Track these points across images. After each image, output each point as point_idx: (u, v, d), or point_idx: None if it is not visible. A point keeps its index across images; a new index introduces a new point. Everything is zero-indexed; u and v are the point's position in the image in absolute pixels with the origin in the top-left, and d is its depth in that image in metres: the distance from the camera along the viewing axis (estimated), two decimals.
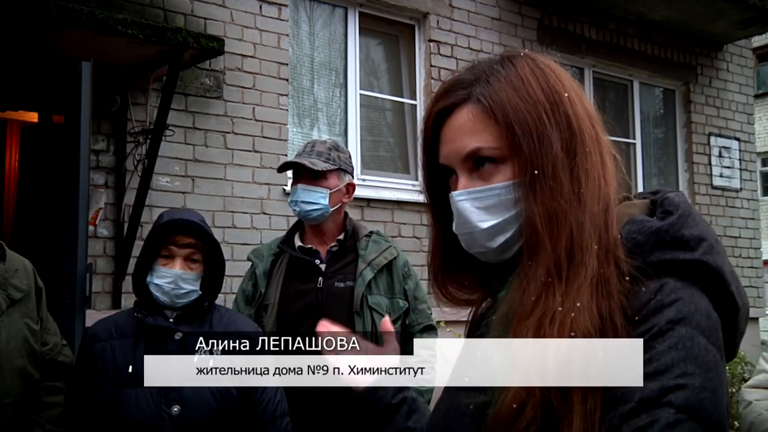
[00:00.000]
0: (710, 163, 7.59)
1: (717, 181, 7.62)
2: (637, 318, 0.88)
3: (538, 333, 0.88)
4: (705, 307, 0.90)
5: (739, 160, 7.82)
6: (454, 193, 1.01)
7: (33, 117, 5.58)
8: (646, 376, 0.84)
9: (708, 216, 7.47)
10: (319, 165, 2.55)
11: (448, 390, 1.10)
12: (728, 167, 7.72)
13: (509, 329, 0.92)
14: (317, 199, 2.55)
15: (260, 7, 5.08)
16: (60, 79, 4.18)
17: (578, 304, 0.88)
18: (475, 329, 1.10)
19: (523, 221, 0.95)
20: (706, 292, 0.92)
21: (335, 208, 2.59)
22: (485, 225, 0.98)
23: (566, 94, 0.98)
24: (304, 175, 2.58)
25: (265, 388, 2.22)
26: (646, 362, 0.85)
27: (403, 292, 2.60)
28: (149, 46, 3.92)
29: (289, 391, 2.35)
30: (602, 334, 0.87)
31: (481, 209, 0.98)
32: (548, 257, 0.91)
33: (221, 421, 2.11)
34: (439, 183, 1.07)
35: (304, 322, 2.49)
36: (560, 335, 0.87)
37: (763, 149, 17.86)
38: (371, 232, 2.68)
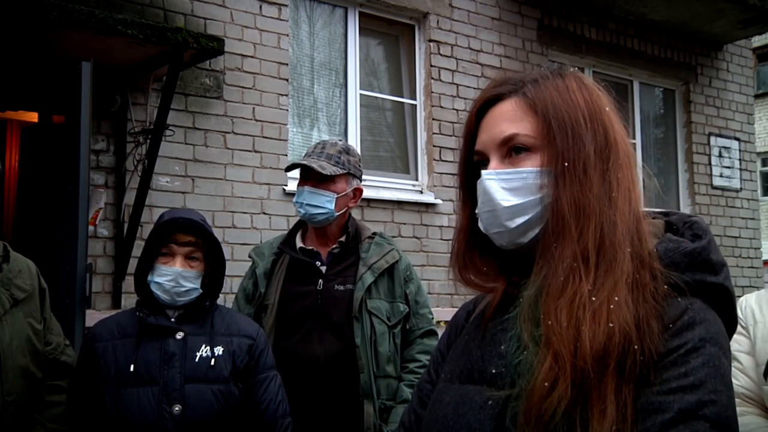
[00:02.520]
0: (710, 163, 7.60)
1: (717, 181, 7.62)
2: (671, 326, 0.94)
3: (571, 314, 0.93)
4: (724, 331, 0.99)
5: (739, 160, 7.82)
6: (483, 172, 1.08)
7: (33, 117, 5.58)
8: (683, 389, 0.90)
9: (708, 216, 7.47)
10: (328, 169, 2.51)
11: (451, 383, 1.11)
12: (728, 167, 7.72)
13: (539, 308, 0.97)
14: (323, 202, 2.51)
15: (260, 7, 5.08)
16: (60, 79, 4.17)
17: (616, 298, 0.93)
18: (492, 325, 1.11)
19: (551, 204, 1.01)
20: (719, 313, 1.01)
21: (341, 212, 2.56)
22: (507, 203, 1.04)
23: (607, 109, 1.06)
24: (312, 176, 2.54)
25: (267, 387, 2.22)
26: (683, 375, 0.91)
27: (404, 296, 2.58)
28: (149, 46, 3.92)
29: (290, 391, 2.35)
30: (640, 334, 0.93)
31: (506, 189, 1.05)
32: (574, 243, 0.97)
33: (223, 420, 2.11)
34: (472, 173, 1.13)
35: (303, 324, 2.48)
36: (596, 324, 0.92)
37: (763, 149, 17.86)
38: (374, 234, 2.66)
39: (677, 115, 7.62)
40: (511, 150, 1.06)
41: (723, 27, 7.28)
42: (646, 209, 1.10)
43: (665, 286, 0.97)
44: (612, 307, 0.93)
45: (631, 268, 0.96)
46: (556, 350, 0.92)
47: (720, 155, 7.68)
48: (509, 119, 1.07)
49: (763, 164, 18.61)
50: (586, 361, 0.90)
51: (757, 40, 12.45)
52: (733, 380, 2.00)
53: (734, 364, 2.04)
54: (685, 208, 7.47)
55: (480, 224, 1.09)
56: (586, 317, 0.93)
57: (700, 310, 0.97)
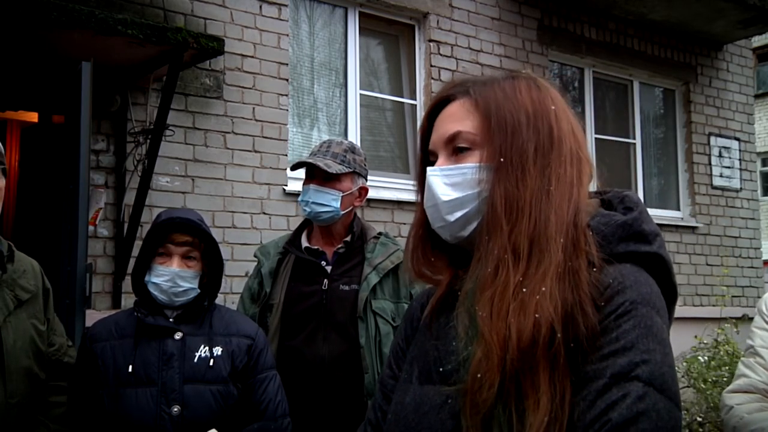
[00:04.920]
0: (710, 163, 7.59)
1: (717, 181, 7.62)
2: (603, 303, 0.97)
3: (501, 306, 0.96)
4: (657, 291, 1.01)
5: (739, 160, 7.82)
6: (428, 169, 1.13)
7: (33, 117, 5.58)
8: (615, 353, 0.93)
9: (708, 216, 7.47)
10: (334, 167, 2.50)
11: (410, 384, 1.13)
12: (728, 167, 7.72)
13: (474, 301, 1.00)
14: (329, 201, 2.51)
15: (260, 7, 5.09)
16: (60, 79, 4.17)
17: (543, 289, 0.95)
18: (443, 321, 1.14)
19: (486, 199, 1.05)
20: (657, 283, 1.02)
21: (346, 211, 2.56)
22: (446, 198, 1.09)
23: (553, 107, 1.08)
24: (317, 175, 2.53)
25: (266, 387, 2.21)
26: (614, 340, 0.94)
27: (409, 296, 2.56)
28: (149, 46, 3.92)
29: (294, 391, 2.35)
30: (571, 320, 0.94)
31: (447, 185, 1.09)
32: (504, 236, 1.01)
33: (222, 421, 2.11)
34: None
35: (308, 323, 2.48)
36: (523, 315, 0.94)
37: (763, 149, 17.86)
38: (379, 234, 2.64)
39: (677, 115, 7.62)
40: (456, 148, 1.11)
41: (723, 27, 7.28)
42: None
43: (599, 264, 1.00)
44: (538, 298, 0.95)
45: (563, 258, 0.98)
46: (486, 342, 0.95)
47: (720, 155, 7.68)
48: (455, 118, 1.12)
49: (763, 164, 18.60)
50: (513, 352, 0.93)
51: (757, 40, 12.44)
52: (755, 376, 2.02)
53: (756, 359, 2.05)
54: (685, 208, 7.48)
55: (429, 217, 1.14)
56: (515, 308, 0.95)
57: (630, 274, 0.99)
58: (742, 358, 2.13)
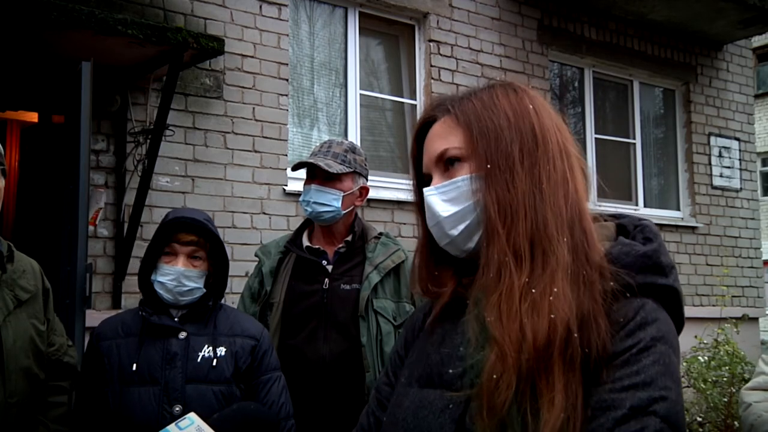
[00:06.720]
0: (710, 163, 7.60)
1: (717, 181, 7.62)
2: (623, 326, 0.99)
3: (511, 307, 0.97)
4: (674, 330, 1.04)
5: (739, 160, 7.82)
6: (425, 190, 1.15)
7: (33, 117, 5.58)
8: (635, 386, 0.94)
9: (708, 216, 7.47)
10: (335, 167, 2.52)
11: (410, 387, 1.14)
12: (728, 167, 7.72)
13: (482, 308, 1.02)
14: (330, 200, 2.52)
15: (260, 7, 5.09)
16: (60, 79, 4.17)
17: (555, 290, 0.96)
18: (448, 327, 1.15)
19: (480, 208, 1.07)
20: (668, 313, 1.05)
21: (347, 210, 2.57)
22: (447, 213, 1.11)
23: (531, 107, 1.09)
24: (318, 175, 2.55)
25: (270, 389, 2.20)
26: (635, 374, 0.95)
27: (410, 296, 2.57)
28: (149, 46, 3.92)
29: (295, 390, 2.35)
30: (585, 327, 0.96)
31: (445, 201, 1.12)
32: (502, 240, 1.02)
33: None
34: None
35: (308, 322, 2.48)
36: (537, 315, 0.96)
37: (763, 149, 17.86)
38: (380, 234, 2.65)
39: (677, 115, 7.62)
40: (447, 164, 1.13)
41: (723, 27, 7.28)
42: (599, 210, 1.15)
43: (615, 285, 1.01)
44: (552, 299, 0.96)
45: (570, 260, 1.00)
46: (499, 344, 0.96)
47: (720, 155, 7.68)
48: (440, 137, 1.14)
49: (763, 164, 18.61)
50: (529, 352, 0.94)
51: (757, 40, 12.45)
52: None
53: None
54: (685, 208, 7.48)
55: (434, 236, 1.15)
56: (527, 309, 0.96)
57: (652, 311, 1.01)
58: (762, 355, 2.14)
